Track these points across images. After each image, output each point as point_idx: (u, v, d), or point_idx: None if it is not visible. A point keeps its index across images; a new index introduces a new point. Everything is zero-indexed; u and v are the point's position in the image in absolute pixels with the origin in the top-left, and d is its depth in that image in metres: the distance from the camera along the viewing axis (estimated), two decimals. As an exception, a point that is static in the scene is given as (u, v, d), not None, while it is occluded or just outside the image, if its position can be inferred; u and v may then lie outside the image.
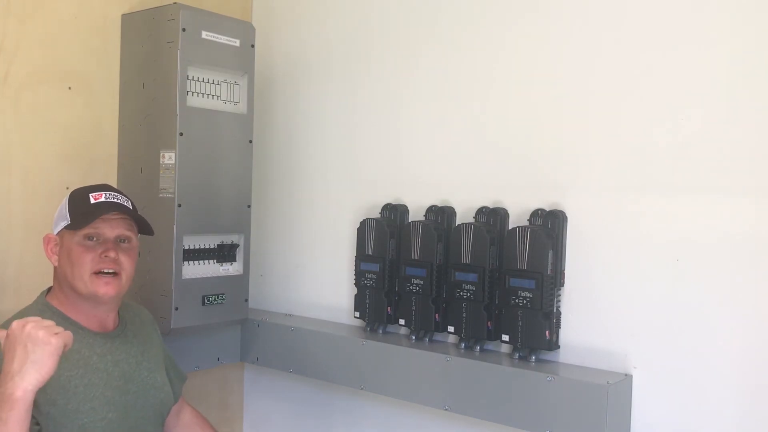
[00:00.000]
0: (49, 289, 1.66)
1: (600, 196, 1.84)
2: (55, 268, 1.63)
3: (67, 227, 1.58)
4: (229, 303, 2.20)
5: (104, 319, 1.64)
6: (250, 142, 2.24)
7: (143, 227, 1.68)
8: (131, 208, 1.65)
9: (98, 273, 1.56)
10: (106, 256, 1.56)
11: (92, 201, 1.58)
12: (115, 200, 1.61)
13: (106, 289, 1.57)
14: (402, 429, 2.23)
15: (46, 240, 1.62)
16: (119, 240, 1.61)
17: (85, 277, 1.56)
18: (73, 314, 1.59)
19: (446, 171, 2.13)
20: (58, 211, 1.63)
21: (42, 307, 1.59)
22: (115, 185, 2.18)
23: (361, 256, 2.16)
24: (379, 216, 2.18)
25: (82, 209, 1.58)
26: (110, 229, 1.59)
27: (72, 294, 1.59)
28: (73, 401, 1.50)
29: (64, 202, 1.63)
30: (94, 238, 1.57)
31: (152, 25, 2.11)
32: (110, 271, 1.57)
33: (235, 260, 2.24)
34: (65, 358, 1.50)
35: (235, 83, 2.22)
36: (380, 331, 2.17)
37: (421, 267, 2.02)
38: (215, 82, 2.16)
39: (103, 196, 1.60)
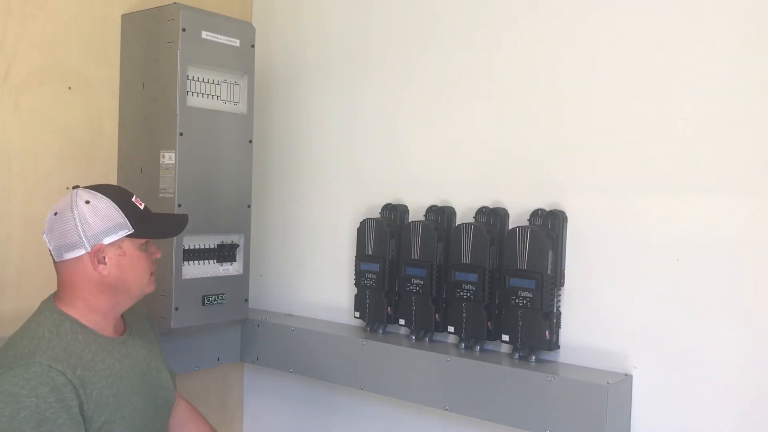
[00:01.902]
0: (52, 296, 1.59)
1: (600, 196, 1.84)
2: (85, 277, 1.54)
3: (130, 235, 1.56)
4: (229, 303, 2.19)
5: (119, 320, 1.64)
6: (250, 142, 2.24)
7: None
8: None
9: (152, 273, 1.65)
10: (156, 257, 1.65)
11: (140, 207, 1.61)
12: (146, 207, 1.66)
13: (154, 285, 1.66)
14: (402, 429, 2.23)
15: (98, 251, 1.52)
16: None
17: (145, 280, 1.61)
18: (89, 321, 1.55)
19: (446, 171, 2.13)
20: (105, 220, 1.53)
21: (58, 317, 1.52)
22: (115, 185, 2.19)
23: (361, 256, 2.16)
24: (379, 216, 2.18)
25: (141, 216, 1.59)
26: None
27: (112, 298, 1.56)
28: (106, 413, 1.47)
29: (107, 209, 1.54)
30: (146, 242, 1.63)
31: (152, 25, 2.11)
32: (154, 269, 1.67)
33: (235, 260, 2.24)
34: (94, 371, 1.48)
35: (235, 83, 2.22)
36: (380, 331, 2.17)
37: (421, 267, 2.02)
38: (215, 82, 2.16)
39: (139, 199, 1.64)
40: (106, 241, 1.53)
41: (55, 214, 1.54)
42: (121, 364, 1.56)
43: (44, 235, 1.55)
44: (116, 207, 1.55)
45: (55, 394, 1.40)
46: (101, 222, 1.53)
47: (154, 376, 1.66)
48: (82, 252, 1.52)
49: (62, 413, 1.39)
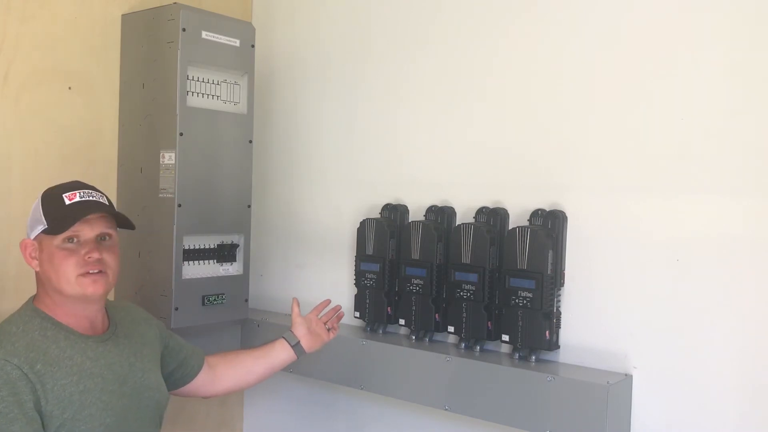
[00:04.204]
0: (35, 295, 1.61)
1: (600, 196, 1.84)
2: (37, 273, 1.58)
3: (45, 231, 1.54)
4: (229, 303, 2.20)
5: (94, 319, 1.60)
6: (250, 142, 2.24)
7: (122, 221, 1.63)
8: (108, 203, 1.60)
9: (84, 274, 1.53)
10: (89, 257, 1.53)
11: (67, 202, 1.54)
12: (91, 198, 1.57)
13: (94, 288, 1.54)
14: (402, 429, 2.23)
15: (24, 246, 1.57)
16: (100, 238, 1.57)
17: (71, 280, 1.53)
18: (63, 318, 1.55)
19: (446, 171, 2.13)
20: (32, 215, 1.57)
21: (31, 313, 1.55)
22: (115, 185, 2.19)
23: (361, 256, 2.16)
24: (379, 216, 2.18)
25: (58, 212, 1.54)
26: (90, 229, 1.55)
27: (59, 297, 1.55)
28: (69, 410, 1.46)
29: (36, 205, 1.57)
30: (75, 240, 1.53)
31: (152, 25, 2.11)
32: (95, 270, 1.55)
33: (235, 260, 2.24)
34: (58, 366, 1.47)
35: (235, 83, 2.22)
36: (380, 331, 2.17)
37: (421, 267, 2.02)
38: (215, 82, 2.16)
39: (78, 195, 1.55)
40: (31, 235, 1.57)
41: None
42: (93, 363, 1.54)
43: None
44: (39, 202, 1.57)
45: (8, 387, 1.40)
46: (30, 218, 1.58)
47: (138, 376, 1.63)
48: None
49: (14, 408, 1.39)
